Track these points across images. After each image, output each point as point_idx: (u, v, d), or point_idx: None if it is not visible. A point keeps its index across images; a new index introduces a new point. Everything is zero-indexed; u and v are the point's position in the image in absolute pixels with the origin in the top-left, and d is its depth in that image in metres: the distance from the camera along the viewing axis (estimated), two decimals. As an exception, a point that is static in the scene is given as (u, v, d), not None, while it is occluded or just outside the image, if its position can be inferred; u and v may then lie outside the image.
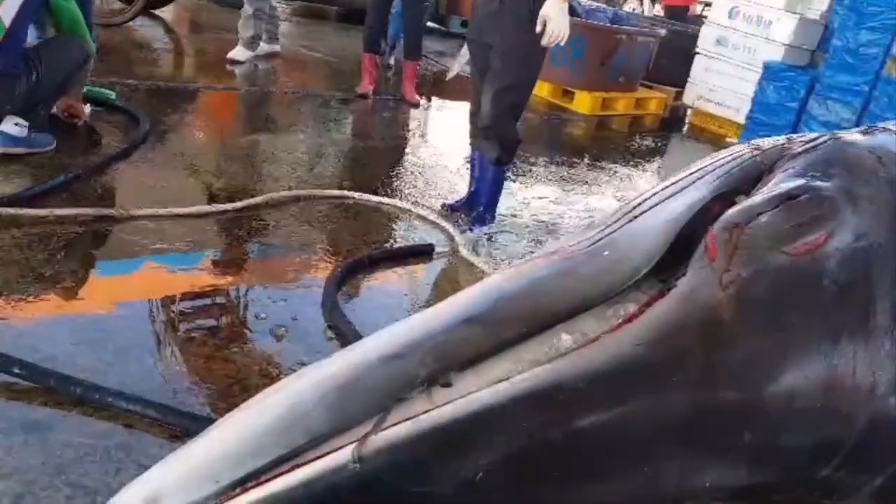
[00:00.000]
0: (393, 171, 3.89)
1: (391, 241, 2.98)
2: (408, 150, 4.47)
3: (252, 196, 3.03)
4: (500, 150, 3.04)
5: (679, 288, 1.27)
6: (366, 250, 2.78)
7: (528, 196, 3.87)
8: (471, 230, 3.15)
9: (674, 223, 1.35)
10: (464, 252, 2.92)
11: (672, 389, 1.20)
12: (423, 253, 2.86)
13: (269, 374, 1.89)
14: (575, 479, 1.20)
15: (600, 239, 1.34)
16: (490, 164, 3.10)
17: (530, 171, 4.36)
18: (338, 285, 2.43)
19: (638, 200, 1.47)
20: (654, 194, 1.48)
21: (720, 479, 1.27)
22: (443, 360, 1.17)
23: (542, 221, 3.54)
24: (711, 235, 1.32)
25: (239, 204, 2.92)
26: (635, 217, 1.39)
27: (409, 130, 4.97)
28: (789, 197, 1.36)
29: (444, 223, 3.16)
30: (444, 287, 2.73)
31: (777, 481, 1.32)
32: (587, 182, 4.36)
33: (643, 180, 4.71)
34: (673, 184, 1.50)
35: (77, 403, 1.64)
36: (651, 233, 1.34)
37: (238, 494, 1.10)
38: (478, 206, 3.23)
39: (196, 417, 1.65)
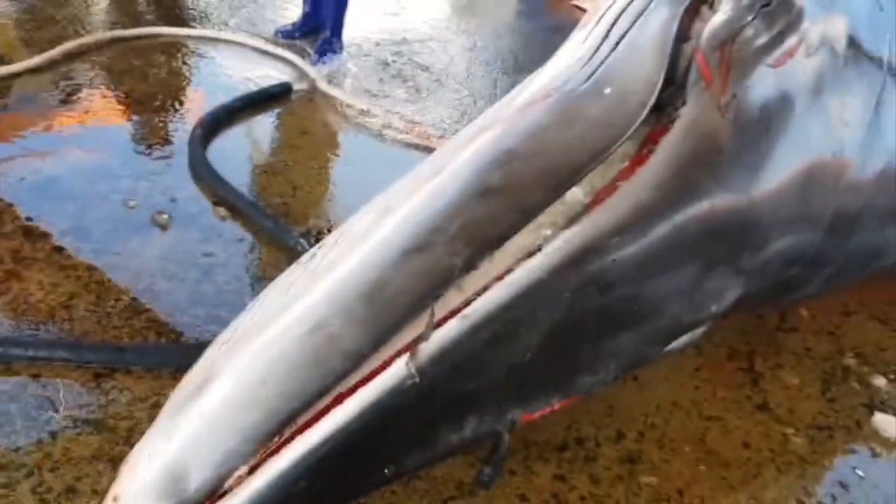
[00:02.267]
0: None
1: (234, 84, 2.53)
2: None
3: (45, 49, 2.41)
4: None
5: (683, 119, 1.19)
6: (212, 100, 2.38)
7: (370, 20, 3.46)
8: (321, 61, 2.80)
9: (661, 45, 1.23)
10: (323, 87, 2.59)
11: (691, 222, 1.17)
12: (280, 94, 2.50)
13: (175, 275, 1.59)
14: (612, 330, 1.17)
15: (593, 73, 1.20)
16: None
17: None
18: (203, 147, 2.07)
19: (608, 19, 1.33)
20: (622, 13, 1.34)
21: (725, 299, 1.30)
22: (475, 244, 1.01)
23: (393, 47, 3.19)
24: (702, 55, 1.23)
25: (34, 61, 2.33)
26: (617, 42, 1.26)
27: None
28: (763, 4, 1.30)
29: (288, 55, 2.77)
30: (317, 130, 2.44)
31: (761, 289, 1.40)
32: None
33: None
34: (635, -1, 1.37)
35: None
36: (642, 59, 1.21)
37: (281, 443, 0.92)
38: (323, 32, 2.86)
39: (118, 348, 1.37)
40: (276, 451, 0.91)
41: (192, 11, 3.06)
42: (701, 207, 1.18)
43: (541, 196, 1.08)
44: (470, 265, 1.01)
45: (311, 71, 2.65)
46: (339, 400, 0.94)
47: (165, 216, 1.76)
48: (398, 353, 0.96)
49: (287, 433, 0.92)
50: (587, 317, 1.12)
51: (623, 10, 1.31)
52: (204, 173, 1.90)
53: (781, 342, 1.79)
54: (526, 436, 1.37)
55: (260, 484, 0.89)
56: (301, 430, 0.92)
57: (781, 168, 1.29)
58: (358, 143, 2.38)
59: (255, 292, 1.58)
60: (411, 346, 0.96)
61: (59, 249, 1.59)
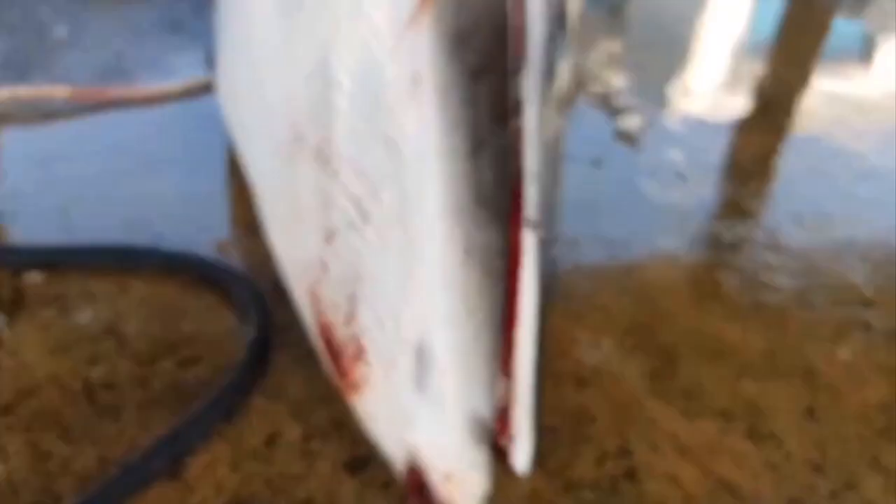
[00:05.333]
0: None
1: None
2: None
3: None
4: None
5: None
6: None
7: None
8: None
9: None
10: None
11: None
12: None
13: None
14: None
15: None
16: None
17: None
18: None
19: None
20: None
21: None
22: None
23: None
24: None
25: None
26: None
27: None
28: None
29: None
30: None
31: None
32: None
33: None
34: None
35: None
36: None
37: (507, 344, 1.01)
38: None
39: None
40: (508, 350, 1.03)
41: None
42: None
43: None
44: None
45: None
46: (513, 284, 1.05)
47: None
48: (517, 227, 1.09)
49: (503, 337, 1.03)
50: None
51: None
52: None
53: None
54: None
55: (520, 377, 1.01)
56: (510, 325, 1.04)
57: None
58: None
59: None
60: (516, 216, 1.09)
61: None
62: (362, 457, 1.09)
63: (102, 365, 1.17)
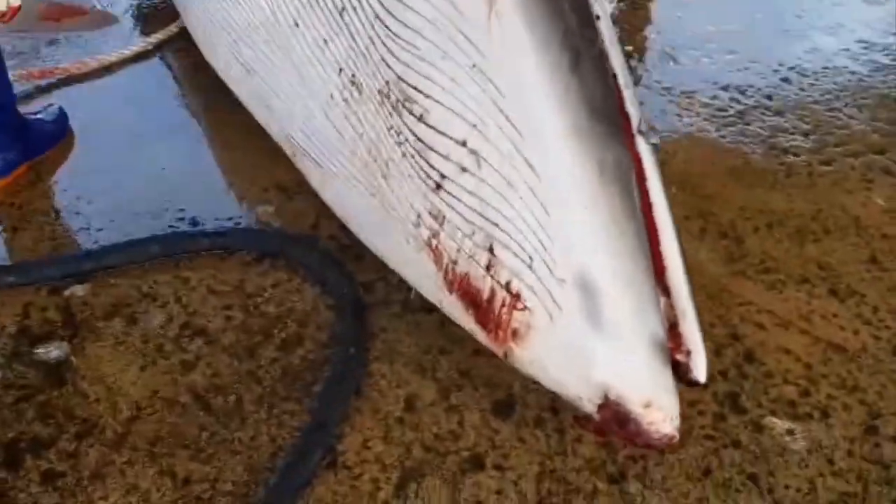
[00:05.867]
0: None
1: None
2: None
3: None
4: None
5: None
6: None
7: None
8: None
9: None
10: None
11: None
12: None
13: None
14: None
15: None
16: None
17: None
18: None
19: None
20: None
21: None
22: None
23: None
24: None
25: None
26: None
27: None
28: None
29: None
30: None
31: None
32: None
33: None
34: None
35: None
36: None
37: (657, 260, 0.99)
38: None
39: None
40: (662, 272, 1.00)
41: None
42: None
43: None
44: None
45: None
46: (645, 197, 1.00)
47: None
48: (631, 141, 1.02)
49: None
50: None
51: None
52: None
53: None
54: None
55: (678, 290, 1.00)
56: (655, 240, 1.01)
57: None
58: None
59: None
60: (627, 129, 1.02)
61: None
62: (505, 400, 1.07)
63: (201, 368, 1.07)
